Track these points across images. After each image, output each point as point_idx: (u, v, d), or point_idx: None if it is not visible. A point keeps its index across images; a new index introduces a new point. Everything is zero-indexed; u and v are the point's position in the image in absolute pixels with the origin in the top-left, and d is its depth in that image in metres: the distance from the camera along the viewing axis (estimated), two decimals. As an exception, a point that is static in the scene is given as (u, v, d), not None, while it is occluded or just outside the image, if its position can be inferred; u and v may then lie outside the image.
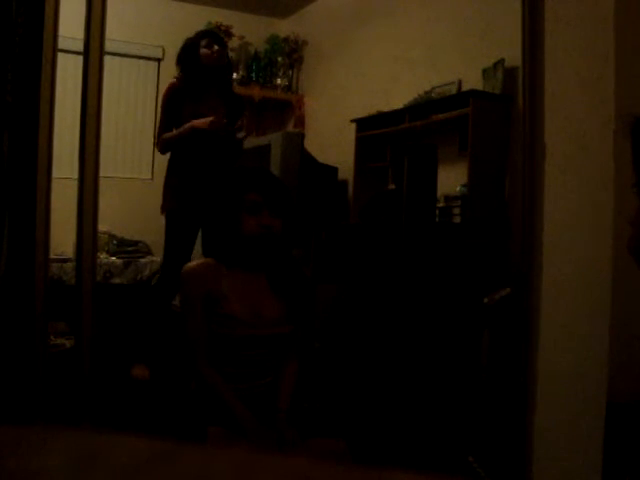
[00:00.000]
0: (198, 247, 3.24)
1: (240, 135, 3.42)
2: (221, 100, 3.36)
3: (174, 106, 3.26)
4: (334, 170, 4.45)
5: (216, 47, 3.32)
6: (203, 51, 3.31)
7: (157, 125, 3.39)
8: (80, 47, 1.86)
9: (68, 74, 3.43)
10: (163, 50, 5.09)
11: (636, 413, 2.00)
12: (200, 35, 3.39)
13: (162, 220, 4.94)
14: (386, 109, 4.04)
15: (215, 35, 3.49)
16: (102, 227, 3.69)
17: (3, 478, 0.38)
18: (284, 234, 1.78)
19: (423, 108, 3.69)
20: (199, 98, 3.27)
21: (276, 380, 1.79)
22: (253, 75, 5.23)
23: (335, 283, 3.62)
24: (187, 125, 3.18)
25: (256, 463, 0.40)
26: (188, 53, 3.33)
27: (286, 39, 5.29)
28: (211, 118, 3.17)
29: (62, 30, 1.79)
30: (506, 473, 2.22)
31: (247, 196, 1.74)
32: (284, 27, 5.48)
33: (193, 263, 1.82)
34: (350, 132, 4.26)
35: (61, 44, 1.82)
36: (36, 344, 1.77)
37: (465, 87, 3.58)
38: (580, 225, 2.11)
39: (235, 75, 5.15)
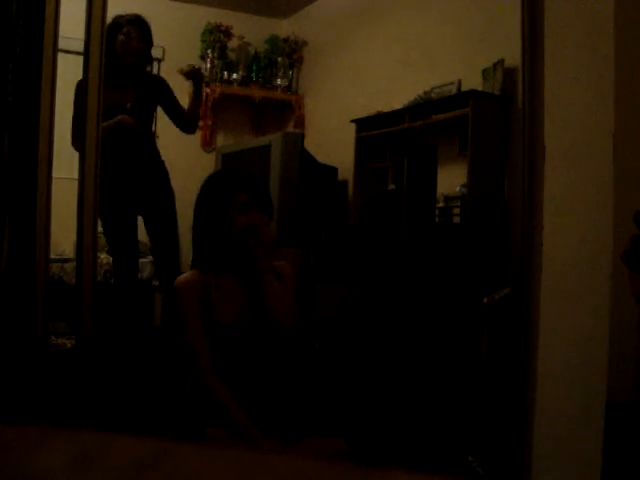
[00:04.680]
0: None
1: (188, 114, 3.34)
2: (136, 92, 3.20)
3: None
4: (334, 170, 4.45)
5: (134, 36, 3.08)
6: (120, 38, 3.09)
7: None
8: (80, 47, 1.86)
9: (68, 74, 3.43)
10: (163, 50, 5.09)
11: (636, 413, 2.00)
12: (125, 21, 3.11)
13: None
14: (386, 109, 4.04)
15: (139, 25, 3.16)
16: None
17: (3, 478, 0.38)
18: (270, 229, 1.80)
19: (423, 108, 3.69)
20: (113, 88, 3.02)
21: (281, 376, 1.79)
22: (253, 75, 5.23)
23: (335, 283, 3.63)
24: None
25: (256, 463, 0.40)
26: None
27: (286, 39, 5.29)
28: (120, 117, 3.03)
29: (62, 30, 1.79)
30: (506, 473, 2.22)
31: (237, 196, 1.77)
32: (284, 27, 5.48)
33: (183, 276, 1.82)
34: (350, 132, 4.26)
35: (61, 44, 1.82)
36: (36, 344, 1.77)
37: (465, 87, 3.58)
38: (580, 225, 2.11)
39: (235, 75, 5.16)
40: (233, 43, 5.19)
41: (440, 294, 2.95)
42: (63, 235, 3.34)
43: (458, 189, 3.47)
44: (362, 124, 4.20)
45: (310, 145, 4.42)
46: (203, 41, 5.13)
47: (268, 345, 1.77)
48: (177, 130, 5.16)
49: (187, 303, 1.74)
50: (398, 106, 3.90)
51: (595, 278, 2.05)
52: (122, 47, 3.11)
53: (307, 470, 0.39)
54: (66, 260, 4.00)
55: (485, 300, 2.77)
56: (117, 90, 3.10)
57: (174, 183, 5.28)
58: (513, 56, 3.11)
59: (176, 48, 5.11)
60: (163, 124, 5.12)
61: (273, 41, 5.29)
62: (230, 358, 1.73)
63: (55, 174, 1.80)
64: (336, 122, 4.64)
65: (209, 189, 1.87)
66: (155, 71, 5.12)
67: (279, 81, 5.26)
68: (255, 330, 1.75)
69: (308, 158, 4.25)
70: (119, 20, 3.12)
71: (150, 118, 3.44)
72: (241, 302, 1.78)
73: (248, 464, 0.39)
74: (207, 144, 5.21)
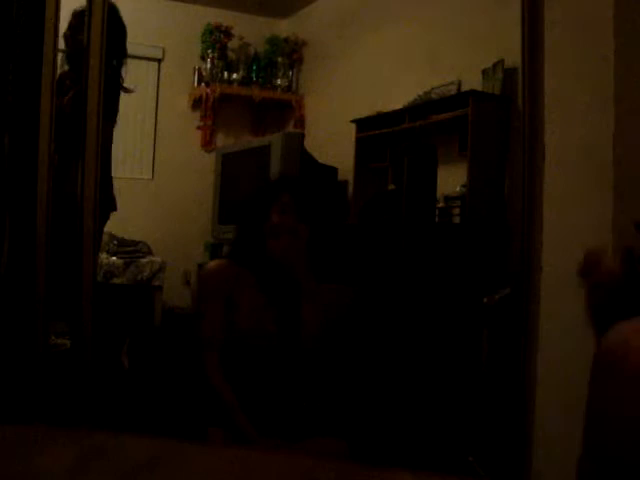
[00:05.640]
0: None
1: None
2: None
3: None
4: (334, 170, 4.45)
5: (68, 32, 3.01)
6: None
7: None
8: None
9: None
10: (163, 50, 5.08)
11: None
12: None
13: (162, 220, 4.97)
14: (386, 109, 4.04)
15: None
16: (102, 227, 3.68)
17: (3, 478, 0.38)
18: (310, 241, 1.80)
19: (423, 108, 3.69)
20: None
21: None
22: (253, 75, 5.22)
23: (335, 283, 3.62)
24: None
25: (257, 463, 0.40)
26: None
27: (286, 39, 5.29)
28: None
29: (62, 30, 1.79)
30: (506, 473, 2.22)
31: (281, 197, 1.78)
32: (284, 27, 5.48)
33: (214, 262, 1.85)
34: (350, 132, 4.26)
35: (61, 44, 1.82)
36: (36, 344, 1.77)
37: (465, 87, 3.58)
38: (580, 225, 2.11)
39: (235, 75, 5.15)
40: (233, 43, 5.18)
41: (440, 294, 2.95)
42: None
43: (458, 189, 3.47)
44: (362, 124, 4.19)
45: (310, 145, 4.41)
46: (203, 41, 5.12)
47: (280, 355, 1.76)
48: (177, 130, 5.18)
49: (214, 290, 1.75)
50: (398, 106, 3.90)
51: (595, 278, 2.04)
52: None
53: (308, 469, 0.39)
54: (66, 260, 3.99)
55: (485, 300, 2.77)
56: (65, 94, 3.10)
57: (174, 183, 5.28)
58: (513, 56, 3.11)
59: (176, 48, 5.11)
60: (163, 124, 5.14)
61: (273, 41, 5.29)
62: (237, 359, 1.72)
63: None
64: (336, 122, 4.64)
65: (262, 187, 1.93)
66: (155, 71, 5.13)
67: (279, 81, 5.26)
68: (268, 338, 1.74)
69: (308, 158, 4.24)
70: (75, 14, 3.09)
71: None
72: (262, 306, 1.76)
73: (248, 464, 0.39)
74: (207, 144, 5.21)
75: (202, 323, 1.74)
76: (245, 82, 5.16)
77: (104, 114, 1.85)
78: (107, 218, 3.39)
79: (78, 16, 3.03)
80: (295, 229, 1.76)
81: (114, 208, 3.48)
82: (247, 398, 1.69)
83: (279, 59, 5.26)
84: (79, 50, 3.10)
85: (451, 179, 3.50)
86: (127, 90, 3.39)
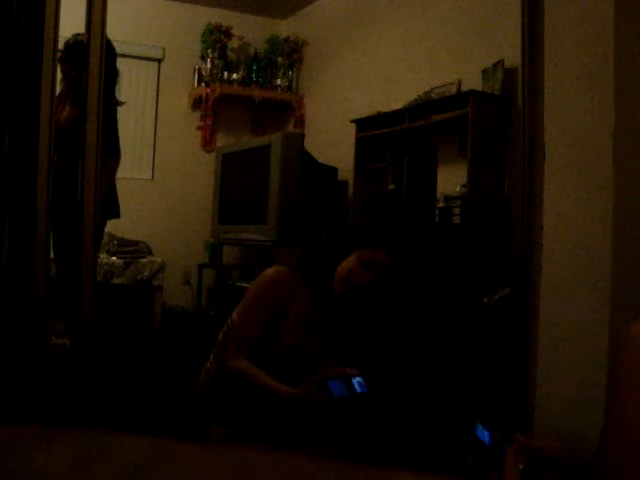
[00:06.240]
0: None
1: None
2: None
3: None
4: (334, 170, 4.45)
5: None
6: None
7: None
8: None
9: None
10: (163, 50, 5.09)
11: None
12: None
13: (162, 220, 4.97)
14: (386, 109, 4.04)
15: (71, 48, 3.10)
16: (102, 227, 3.68)
17: (3, 478, 0.38)
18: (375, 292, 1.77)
19: (423, 108, 3.69)
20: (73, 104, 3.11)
21: None
22: (253, 75, 5.22)
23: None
24: None
25: (258, 463, 0.40)
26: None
27: (286, 39, 5.29)
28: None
29: (62, 30, 1.79)
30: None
31: (374, 250, 1.76)
32: (284, 27, 5.48)
33: (283, 268, 1.77)
34: (350, 132, 4.26)
35: (61, 44, 1.82)
36: (36, 344, 1.77)
37: (465, 87, 3.58)
38: (580, 225, 2.11)
39: (235, 75, 5.15)
40: (233, 43, 5.18)
41: (440, 294, 2.95)
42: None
43: (458, 189, 3.46)
44: (362, 124, 4.19)
45: (310, 145, 4.41)
46: (203, 41, 5.12)
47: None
48: (177, 130, 5.18)
49: (269, 293, 1.71)
50: (398, 106, 3.90)
51: (595, 278, 2.05)
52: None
53: (308, 470, 0.39)
54: (66, 260, 3.99)
55: (485, 300, 2.77)
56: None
57: (174, 183, 5.28)
58: (513, 56, 3.11)
59: (176, 48, 5.11)
60: (163, 124, 5.14)
61: (273, 41, 5.29)
62: (268, 367, 1.68)
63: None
64: (336, 122, 4.64)
65: (366, 222, 1.87)
66: (155, 71, 5.13)
67: (279, 81, 5.26)
68: (305, 359, 1.72)
69: (308, 158, 4.24)
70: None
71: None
72: (311, 328, 1.75)
73: (248, 464, 0.39)
74: (207, 144, 5.21)
75: (244, 318, 1.71)
76: (245, 82, 5.16)
77: (103, 146, 1.82)
78: (105, 223, 3.39)
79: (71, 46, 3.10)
80: (365, 287, 1.72)
81: (117, 214, 3.49)
82: (253, 400, 1.68)
83: (279, 59, 5.26)
84: (75, 72, 3.15)
85: (451, 179, 3.50)
86: (119, 103, 3.43)
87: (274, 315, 1.69)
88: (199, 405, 1.75)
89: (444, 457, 2.36)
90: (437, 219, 3.43)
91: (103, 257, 4.24)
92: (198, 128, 5.18)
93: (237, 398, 1.69)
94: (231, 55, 5.20)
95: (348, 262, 1.73)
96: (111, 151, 3.27)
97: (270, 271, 1.75)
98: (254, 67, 5.23)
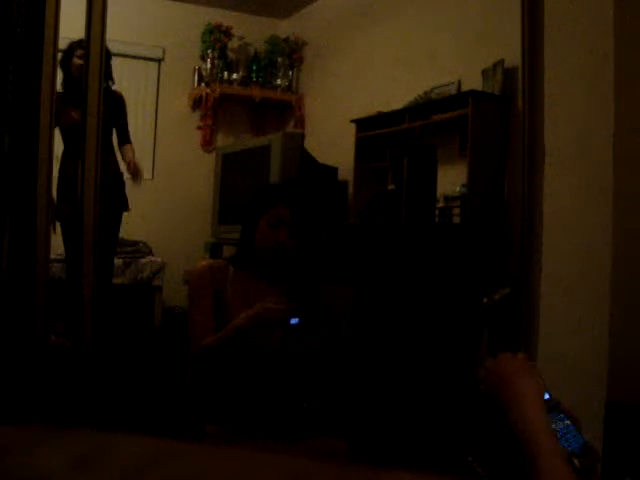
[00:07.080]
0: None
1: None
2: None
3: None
4: (334, 170, 4.45)
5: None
6: (75, 61, 3.22)
7: None
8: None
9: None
10: (163, 51, 5.09)
11: (636, 413, 2.00)
12: (77, 44, 3.19)
13: (162, 220, 4.97)
14: (386, 109, 4.04)
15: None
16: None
17: (3, 478, 0.38)
18: (298, 253, 1.81)
19: (423, 108, 3.69)
20: (75, 107, 3.00)
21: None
22: (253, 75, 5.22)
23: (335, 283, 3.62)
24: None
25: (256, 462, 0.40)
26: (62, 61, 3.18)
27: (286, 39, 5.29)
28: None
29: (62, 30, 1.79)
30: (506, 473, 2.21)
31: (274, 209, 1.77)
32: (284, 27, 5.48)
33: (203, 261, 1.87)
34: (350, 132, 4.26)
35: (61, 44, 1.82)
36: (36, 344, 1.77)
37: (465, 87, 3.58)
38: (580, 225, 2.11)
39: (235, 75, 5.15)
40: (233, 43, 5.18)
41: (440, 294, 2.95)
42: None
43: (458, 189, 3.47)
44: (362, 124, 4.19)
45: (310, 145, 4.41)
46: (203, 41, 5.12)
47: (274, 352, 1.76)
48: (177, 130, 5.17)
49: (200, 287, 1.77)
50: (398, 106, 3.90)
51: (595, 277, 2.05)
52: (77, 70, 3.20)
53: (308, 469, 0.39)
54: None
55: (485, 300, 2.77)
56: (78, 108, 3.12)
57: (174, 183, 5.28)
58: (513, 56, 3.11)
59: (176, 48, 5.11)
60: (163, 124, 5.14)
61: (273, 41, 5.29)
62: (233, 357, 1.72)
63: (56, 174, 1.80)
64: (336, 122, 4.64)
65: (260, 191, 1.92)
66: (155, 72, 5.13)
67: (279, 81, 5.26)
68: (265, 336, 1.74)
69: (308, 158, 4.24)
70: (72, 45, 3.25)
71: (110, 132, 3.54)
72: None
73: (248, 464, 0.39)
74: (207, 144, 5.21)
75: (192, 319, 1.75)
76: (245, 82, 5.16)
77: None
78: (120, 219, 3.49)
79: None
80: (284, 243, 1.76)
81: (127, 207, 3.63)
82: (247, 398, 1.70)
83: (279, 59, 5.25)
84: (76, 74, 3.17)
85: (451, 179, 3.50)
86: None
87: (217, 305, 1.75)
88: (193, 404, 1.75)
89: (444, 457, 2.36)
90: (437, 219, 3.43)
91: (103, 257, 4.24)
92: (198, 128, 5.18)
93: (227, 395, 1.70)
94: (231, 55, 5.20)
95: (260, 232, 1.78)
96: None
97: (193, 269, 1.84)
98: (254, 67, 5.23)
